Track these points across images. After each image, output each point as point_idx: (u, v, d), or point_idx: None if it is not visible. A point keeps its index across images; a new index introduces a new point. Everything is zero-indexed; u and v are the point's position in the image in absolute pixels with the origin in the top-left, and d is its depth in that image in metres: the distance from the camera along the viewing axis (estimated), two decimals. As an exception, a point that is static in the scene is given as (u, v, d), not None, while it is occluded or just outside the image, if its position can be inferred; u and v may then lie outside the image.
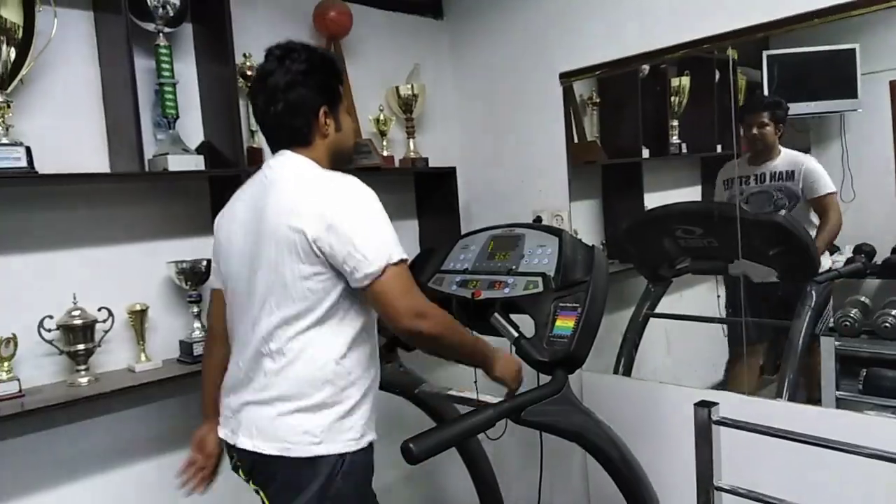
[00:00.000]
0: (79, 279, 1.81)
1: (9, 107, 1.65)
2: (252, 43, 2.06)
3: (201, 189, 2.06)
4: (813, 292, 2.02)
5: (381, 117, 2.43)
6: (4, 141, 1.62)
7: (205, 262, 1.92)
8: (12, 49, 1.65)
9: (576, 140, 2.48)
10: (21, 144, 1.64)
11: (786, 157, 2.14)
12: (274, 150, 1.48)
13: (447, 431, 1.37)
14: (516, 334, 1.60)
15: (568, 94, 2.42)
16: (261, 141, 2.09)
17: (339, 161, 1.51)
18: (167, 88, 1.91)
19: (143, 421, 1.94)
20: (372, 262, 1.29)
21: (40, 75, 1.76)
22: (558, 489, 2.52)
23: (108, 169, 1.88)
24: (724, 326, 2.31)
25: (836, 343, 1.95)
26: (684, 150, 2.41)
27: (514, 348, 1.59)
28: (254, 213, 1.42)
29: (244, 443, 1.41)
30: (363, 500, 1.44)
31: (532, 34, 2.47)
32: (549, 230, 1.77)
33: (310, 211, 1.32)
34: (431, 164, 2.53)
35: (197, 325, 1.96)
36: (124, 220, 1.93)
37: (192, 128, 2.04)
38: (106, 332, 1.81)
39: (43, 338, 1.73)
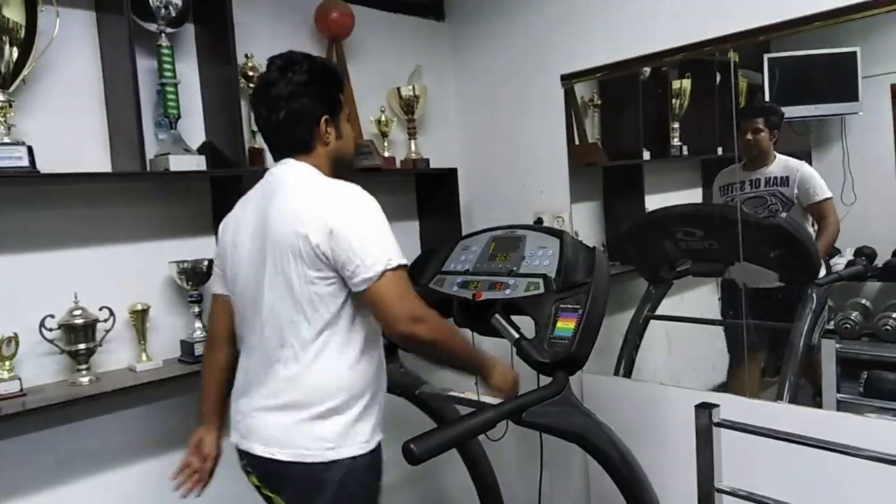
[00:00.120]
0: (80, 279, 1.81)
1: (11, 106, 1.65)
2: (254, 43, 2.07)
3: (203, 189, 2.06)
4: (814, 295, 2.02)
5: (383, 118, 2.44)
6: (6, 140, 1.62)
7: (206, 263, 1.92)
8: (14, 49, 1.65)
9: (577, 142, 2.48)
10: (23, 144, 1.64)
11: (781, 163, 2.14)
12: (276, 158, 1.51)
13: (448, 432, 1.37)
14: (517, 335, 1.60)
15: (569, 96, 2.42)
16: (262, 142, 2.09)
17: (341, 167, 1.52)
18: (169, 88, 1.91)
19: (143, 421, 1.95)
20: (370, 266, 1.31)
21: (42, 75, 1.77)
22: (558, 490, 2.51)
23: (109, 169, 1.88)
24: (723, 330, 2.31)
25: (837, 346, 1.95)
26: (685, 152, 2.41)
27: (514, 349, 1.59)
28: (259, 220, 1.43)
29: (258, 449, 1.42)
30: (373, 498, 1.45)
31: (533, 36, 2.47)
32: (550, 231, 1.77)
33: (313, 216, 1.34)
34: (432, 164, 2.53)
35: (198, 324, 1.96)
36: (126, 220, 1.93)
37: (194, 128, 2.04)
38: (107, 331, 1.81)
39: (44, 337, 1.73)
